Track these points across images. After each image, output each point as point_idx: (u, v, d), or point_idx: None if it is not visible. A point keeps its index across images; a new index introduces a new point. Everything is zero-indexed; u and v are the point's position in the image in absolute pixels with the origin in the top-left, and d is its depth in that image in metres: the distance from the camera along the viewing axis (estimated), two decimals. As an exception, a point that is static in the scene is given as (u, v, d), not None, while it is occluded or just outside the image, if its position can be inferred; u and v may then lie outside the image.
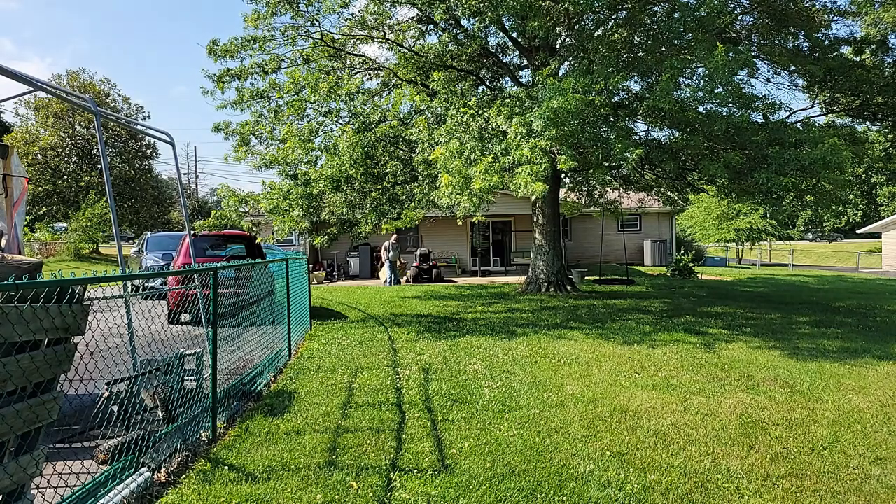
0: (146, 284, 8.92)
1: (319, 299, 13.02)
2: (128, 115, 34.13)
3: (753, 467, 3.63)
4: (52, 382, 2.58)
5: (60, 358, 2.55)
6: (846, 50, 11.97)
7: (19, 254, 4.57)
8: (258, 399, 5.13)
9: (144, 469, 3.33)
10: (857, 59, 11.94)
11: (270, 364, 6.14)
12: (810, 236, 59.70)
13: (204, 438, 4.07)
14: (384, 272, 17.90)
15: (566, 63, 11.93)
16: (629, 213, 23.02)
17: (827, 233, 59.98)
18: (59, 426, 3.80)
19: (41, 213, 31.87)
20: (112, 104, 33.72)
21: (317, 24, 11.39)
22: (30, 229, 31.23)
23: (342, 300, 13.12)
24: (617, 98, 11.36)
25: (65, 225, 32.28)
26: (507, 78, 14.18)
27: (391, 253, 17.49)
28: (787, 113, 11.51)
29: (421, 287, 16.43)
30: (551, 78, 9.37)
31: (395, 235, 17.09)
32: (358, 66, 13.56)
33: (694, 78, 10.22)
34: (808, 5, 11.12)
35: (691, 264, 19.41)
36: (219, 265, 4.37)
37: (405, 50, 12.72)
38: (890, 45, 11.98)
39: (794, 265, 29.90)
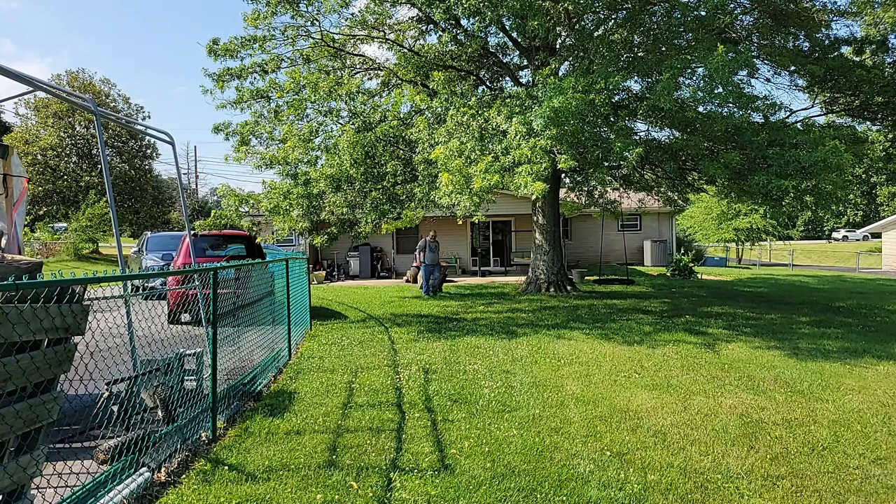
0: (146, 284, 8.93)
1: (319, 299, 13.02)
2: (128, 115, 34.14)
3: (753, 467, 3.63)
4: (52, 382, 2.58)
5: (60, 358, 2.55)
6: (846, 50, 11.97)
7: (19, 254, 4.56)
8: (258, 399, 5.13)
9: (144, 469, 3.33)
10: (857, 59, 11.95)
11: (270, 364, 6.14)
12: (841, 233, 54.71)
13: (204, 438, 4.06)
14: (420, 276, 14.81)
15: (566, 63, 11.93)
16: (629, 213, 23.02)
17: (829, 231, 59.45)
18: (59, 426, 3.80)
19: (41, 213, 31.87)
20: (112, 104, 33.72)
21: (317, 23, 11.39)
22: (30, 229, 31.23)
23: (342, 300, 13.12)
24: (617, 98, 11.37)
25: (65, 225, 32.29)
26: (507, 78, 14.18)
27: (428, 254, 13.99)
28: (788, 113, 11.51)
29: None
30: (551, 77, 9.37)
31: (431, 233, 14.40)
32: (358, 66, 13.56)
33: (694, 78, 10.21)
34: (808, 5, 11.13)
35: (691, 264, 19.41)
36: (219, 265, 4.37)
37: (405, 50, 12.72)
38: (890, 45, 11.99)
39: (794, 265, 29.89)
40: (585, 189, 16.69)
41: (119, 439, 3.42)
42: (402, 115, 10.93)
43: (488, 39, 12.99)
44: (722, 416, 4.58)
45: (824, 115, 12.99)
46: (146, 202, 35.09)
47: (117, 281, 3.44)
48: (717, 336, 8.09)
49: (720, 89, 8.28)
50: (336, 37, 12.19)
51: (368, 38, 12.53)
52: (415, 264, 18.46)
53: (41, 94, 26.06)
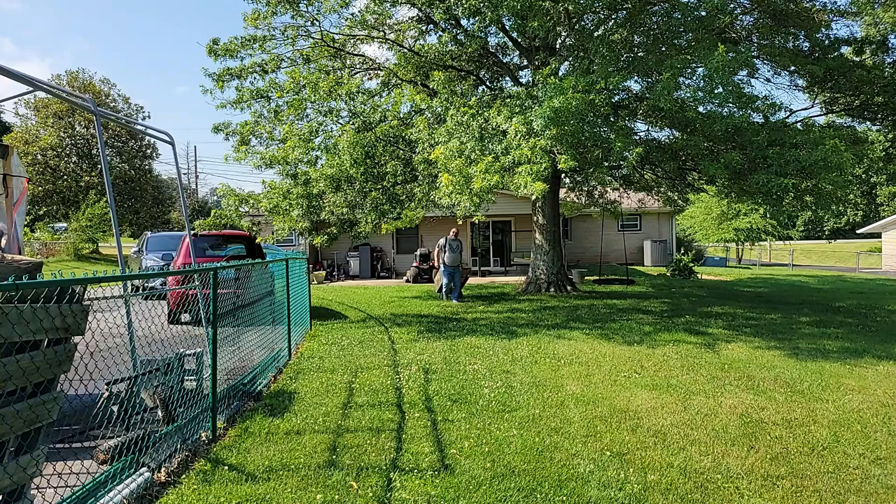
0: (146, 284, 8.93)
1: (319, 299, 13.02)
2: (128, 115, 34.14)
3: (753, 467, 3.63)
4: (52, 382, 2.58)
5: (60, 358, 2.54)
6: (846, 50, 11.96)
7: (19, 254, 4.56)
8: (258, 399, 5.13)
9: (144, 469, 3.33)
10: (857, 59, 11.94)
11: (270, 364, 6.14)
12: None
13: (204, 438, 4.06)
14: (437, 278, 13.45)
15: (566, 63, 11.93)
16: (629, 213, 23.03)
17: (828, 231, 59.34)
18: (59, 426, 3.79)
19: (41, 213, 31.87)
20: (112, 104, 33.72)
21: (317, 23, 11.39)
22: (30, 229, 31.24)
23: (342, 300, 13.12)
24: (617, 98, 11.36)
25: (65, 225, 32.29)
26: (507, 78, 14.18)
27: (449, 254, 12.40)
28: (788, 113, 11.51)
29: (421, 287, 16.43)
30: (552, 77, 9.37)
31: (453, 230, 12.86)
32: (358, 66, 13.56)
33: (694, 78, 10.21)
34: (808, 5, 11.12)
35: (691, 264, 19.41)
36: (219, 265, 4.36)
37: (405, 50, 12.71)
38: (890, 45, 11.99)
39: (794, 265, 29.89)
40: (585, 189, 16.69)
41: (119, 439, 3.42)
42: (402, 115, 10.93)
43: (488, 39, 12.99)
44: (722, 416, 4.58)
45: (824, 115, 12.98)
46: (146, 202, 35.10)
47: (117, 281, 3.44)
48: (717, 336, 8.09)
49: (720, 89, 8.28)
50: (336, 37, 12.19)
51: (368, 38, 12.53)
52: (414, 264, 18.49)
53: (41, 94, 26.06)
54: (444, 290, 12.85)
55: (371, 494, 3.25)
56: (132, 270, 14.33)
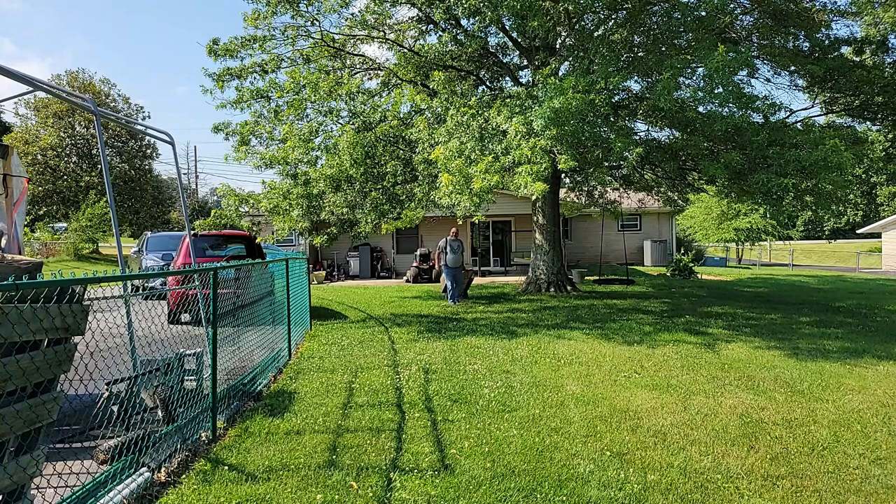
0: (146, 284, 8.93)
1: (319, 299, 13.02)
2: (128, 115, 34.14)
3: (753, 467, 3.63)
4: (52, 382, 2.58)
5: (60, 358, 2.54)
6: (846, 50, 11.96)
7: (19, 254, 4.56)
8: (258, 399, 5.13)
9: (144, 469, 3.33)
10: (857, 59, 11.94)
11: (270, 364, 6.14)
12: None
13: (204, 438, 4.06)
14: (442, 279, 12.91)
15: (566, 63, 11.93)
16: (629, 213, 23.04)
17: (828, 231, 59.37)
18: (59, 426, 3.80)
19: (41, 213, 31.87)
20: (112, 104, 33.72)
21: (317, 23, 11.39)
22: (30, 229, 31.25)
23: (342, 300, 13.12)
24: (617, 98, 11.37)
25: (65, 225, 32.30)
26: (507, 78, 14.19)
27: (450, 255, 12.05)
28: (788, 113, 11.51)
29: (421, 287, 16.43)
30: (552, 77, 9.37)
31: (453, 230, 12.44)
32: (358, 66, 13.56)
33: (694, 78, 10.21)
34: (808, 5, 11.12)
35: (691, 264, 19.42)
36: (219, 265, 4.36)
37: (405, 50, 12.72)
38: (890, 45, 11.98)
39: (794, 265, 29.89)
40: (585, 189, 16.70)
41: (119, 439, 3.42)
42: (402, 115, 10.93)
43: (488, 39, 12.99)
44: (722, 416, 4.58)
45: (824, 115, 12.98)
46: (146, 202, 35.10)
47: (117, 281, 3.44)
48: (717, 336, 8.09)
49: (720, 89, 8.27)
50: (336, 37, 12.19)
51: (368, 38, 12.53)
52: (414, 264, 18.50)
53: (41, 94, 26.06)
54: (448, 291, 12.52)
55: (371, 494, 3.25)
56: (132, 270, 14.34)
